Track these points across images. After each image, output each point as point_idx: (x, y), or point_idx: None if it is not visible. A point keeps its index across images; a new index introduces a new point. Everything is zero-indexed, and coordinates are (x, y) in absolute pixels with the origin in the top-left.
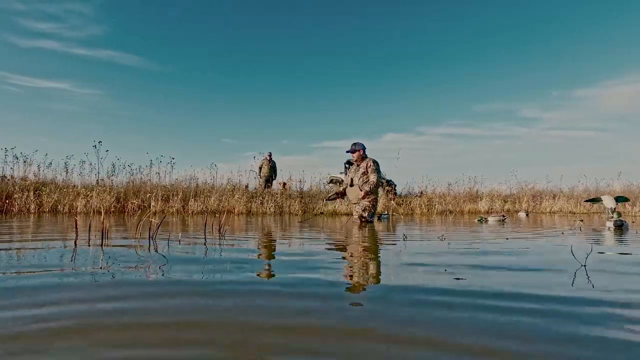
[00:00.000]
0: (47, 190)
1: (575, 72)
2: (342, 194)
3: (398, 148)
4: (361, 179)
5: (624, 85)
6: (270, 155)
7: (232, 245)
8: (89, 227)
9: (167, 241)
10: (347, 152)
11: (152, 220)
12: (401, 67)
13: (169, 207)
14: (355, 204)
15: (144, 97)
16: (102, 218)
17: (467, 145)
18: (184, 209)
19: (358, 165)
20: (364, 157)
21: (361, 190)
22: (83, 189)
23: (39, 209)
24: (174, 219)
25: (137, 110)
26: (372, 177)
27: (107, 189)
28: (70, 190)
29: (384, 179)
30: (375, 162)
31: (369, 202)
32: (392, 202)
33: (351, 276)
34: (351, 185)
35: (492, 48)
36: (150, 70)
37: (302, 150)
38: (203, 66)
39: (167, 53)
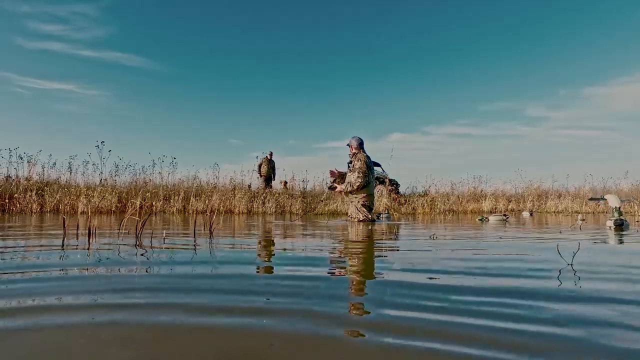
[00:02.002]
0: (50, 190)
1: (583, 71)
2: (333, 183)
3: (392, 145)
4: (348, 177)
5: (633, 84)
6: (271, 155)
7: (218, 243)
8: (77, 226)
9: (155, 240)
10: (348, 145)
11: (137, 218)
12: (407, 67)
13: (170, 207)
14: (350, 202)
15: (150, 98)
16: (88, 218)
17: (473, 145)
18: (184, 208)
19: (350, 162)
20: (355, 153)
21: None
22: (85, 189)
23: (41, 209)
24: (175, 218)
25: (143, 111)
26: (351, 177)
27: (109, 188)
28: (73, 190)
29: (386, 177)
30: (360, 160)
31: (361, 204)
32: (394, 202)
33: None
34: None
35: (498, 47)
36: (155, 71)
37: (307, 151)
38: (208, 67)
39: (172, 54)
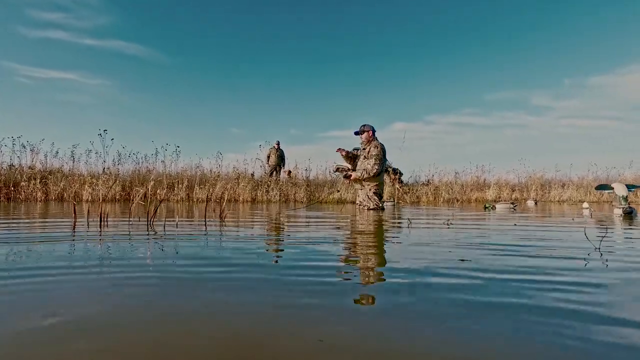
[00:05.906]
0: (54, 179)
1: (588, 60)
2: (348, 172)
3: (404, 132)
4: (363, 163)
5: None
6: (278, 144)
7: (218, 228)
8: (87, 213)
9: (164, 225)
10: (356, 133)
11: (142, 203)
12: (410, 55)
13: (174, 195)
14: (359, 189)
15: (152, 87)
16: (100, 205)
17: (477, 134)
18: (188, 197)
19: (364, 149)
20: (371, 140)
21: (356, 171)
22: (89, 177)
23: (45, 197)
24: (179, 206)
25: (145, 100)
26: (367, 164)
27: (113, 177)
28: (76, 178)
29: (389, 166)
30: (377, 147)
31: (372, 192)
32: (399, 190)
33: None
34: (354, 169)
35: (502, 35)
36: (157, 59)
37: (310, 140)
38: (210, 56)
39: (175, 43)
